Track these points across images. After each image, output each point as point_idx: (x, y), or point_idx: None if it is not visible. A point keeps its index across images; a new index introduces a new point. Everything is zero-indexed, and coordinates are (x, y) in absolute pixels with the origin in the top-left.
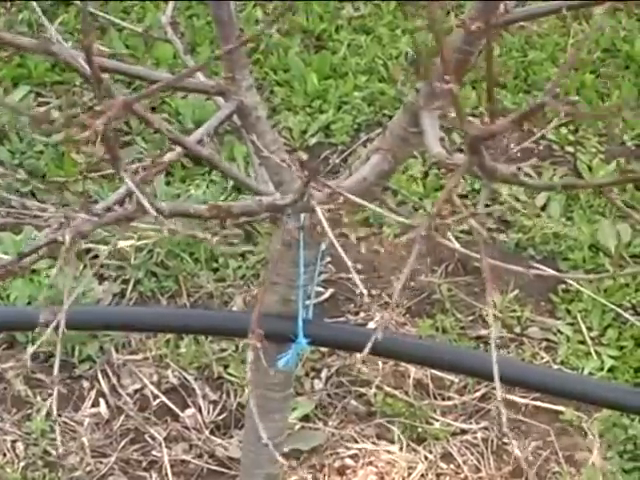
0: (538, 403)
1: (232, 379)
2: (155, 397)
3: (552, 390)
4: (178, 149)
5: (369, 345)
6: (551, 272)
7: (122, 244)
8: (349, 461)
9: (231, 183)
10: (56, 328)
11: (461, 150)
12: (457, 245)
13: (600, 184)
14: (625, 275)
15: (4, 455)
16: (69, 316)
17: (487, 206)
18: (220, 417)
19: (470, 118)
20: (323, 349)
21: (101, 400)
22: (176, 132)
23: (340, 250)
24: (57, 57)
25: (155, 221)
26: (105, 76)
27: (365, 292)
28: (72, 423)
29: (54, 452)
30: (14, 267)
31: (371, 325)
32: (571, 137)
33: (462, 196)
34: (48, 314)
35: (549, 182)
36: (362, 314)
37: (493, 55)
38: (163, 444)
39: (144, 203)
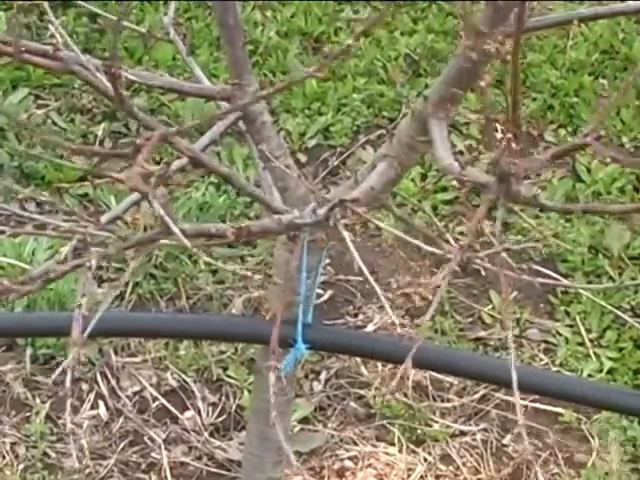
0: (537, 405)
1: (231, 381)
2: (154, 399)
3: (551, 392)
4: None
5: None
6: (563, 280)
7: None
8: (348, 463)
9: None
10: (60, 335)
11: (461, 153)
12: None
13: (623, 211)
14: (630, 285)
15: (3, 457)
16: (67, 323)
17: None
18: (219, 419)
19: (470, 119)
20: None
21: (100, 402)
22: (196, 150)
23: (362, 265)
24: (78, 76)
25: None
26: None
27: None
28: (71, 425)
29: (53, 454)
30: (37, 290)
31: (370, 327)
32: (570, 138)
33: (456, 198)
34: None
35: (568, 205)
36: (361, 316)
37: (519, 76)
38: (162, 446)
39: (174, 229)
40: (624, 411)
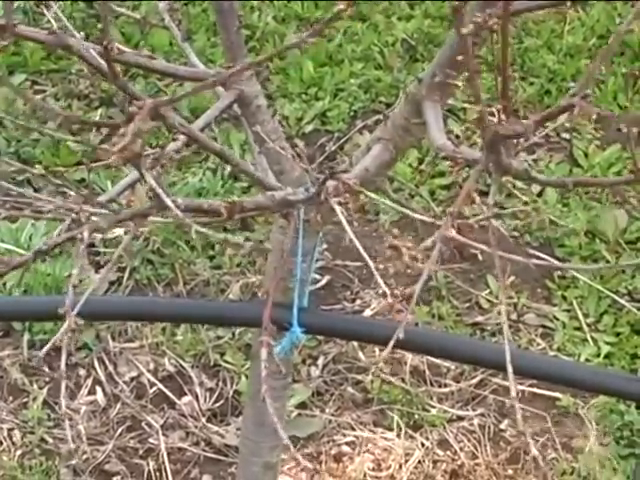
0: (535, 390)
1: (228, 366)
2: (152, 385)
3: (549, 377)
4: (181, 139)
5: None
6: (556, 263)
7: (118, 232)
8: (346, 448)
9: (227, 170)
10: (61, 319)
11: (458, 137)
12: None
13: (613, 182)
14: (626, 267)
15: (0, 443)
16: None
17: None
18: (217, 405)
19: (467, 105)
20: (320, 336)
21: (98, 388)
22: (189, 127)
23: (359, 247)
24: (72, 52)
25: (170, 216)
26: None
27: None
28: (69, 411)
29: (51, 440)
30: (28, 263)
31: (367, 312)
32: (567, 123)
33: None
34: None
35: (560, 179)
36: (358, 301)
37: (508, 51)
38: (160, 432)
39: (166, 201)
40: (621, 396)
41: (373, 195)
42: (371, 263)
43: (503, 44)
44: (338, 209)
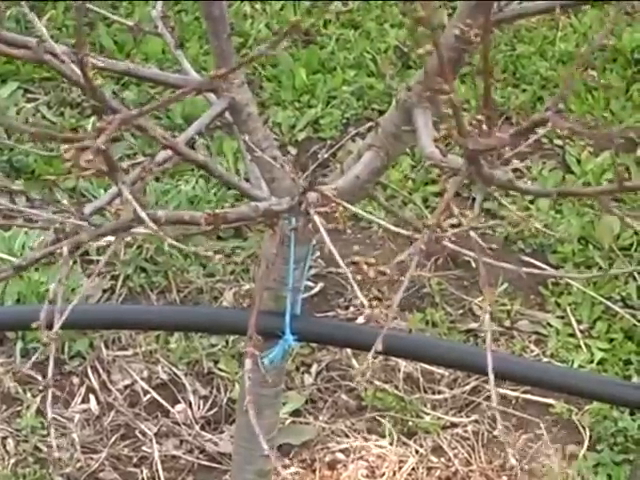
0: (528, 396)
1: (222, 374)
2: (145, 393)
3: (542, 383)
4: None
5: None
6: (551, 270)
7: (111, 239)
8: (340, 455)
9: None
10: (50, 328)
11: (449, 143)
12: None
13: (597, 192)
14: (619, 273)
15: None
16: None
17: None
18: (210, 412)
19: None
20: (313, 344)
21: (91, 396)
22: (171, 138)
23: (338, 257)
24: (49, 65)
25: (151, 229)
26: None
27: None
28: (62, 419)
29: (45, 448)
30: (10, 275)
31: (361, 320)
32: (559, 130)
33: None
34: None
35: (545, 189)
36: (352, 308)
37: (489, 59)
38: (154, 440)
39: (142, 215)
40: (615, 402)
41: (349, 206)
42: (349, 272)
43: (484, 53)
44: (318, 220)
